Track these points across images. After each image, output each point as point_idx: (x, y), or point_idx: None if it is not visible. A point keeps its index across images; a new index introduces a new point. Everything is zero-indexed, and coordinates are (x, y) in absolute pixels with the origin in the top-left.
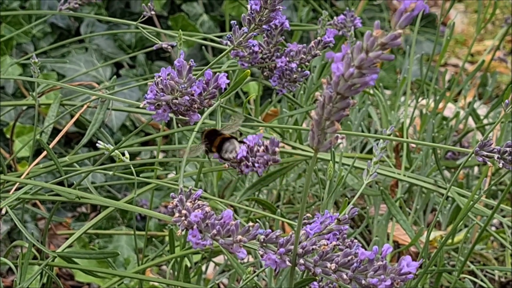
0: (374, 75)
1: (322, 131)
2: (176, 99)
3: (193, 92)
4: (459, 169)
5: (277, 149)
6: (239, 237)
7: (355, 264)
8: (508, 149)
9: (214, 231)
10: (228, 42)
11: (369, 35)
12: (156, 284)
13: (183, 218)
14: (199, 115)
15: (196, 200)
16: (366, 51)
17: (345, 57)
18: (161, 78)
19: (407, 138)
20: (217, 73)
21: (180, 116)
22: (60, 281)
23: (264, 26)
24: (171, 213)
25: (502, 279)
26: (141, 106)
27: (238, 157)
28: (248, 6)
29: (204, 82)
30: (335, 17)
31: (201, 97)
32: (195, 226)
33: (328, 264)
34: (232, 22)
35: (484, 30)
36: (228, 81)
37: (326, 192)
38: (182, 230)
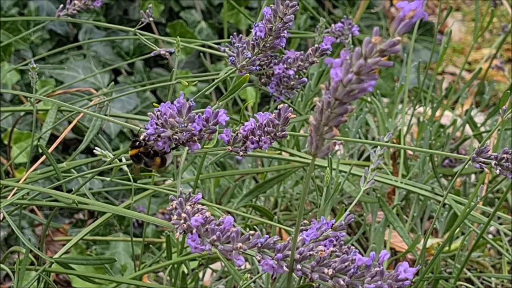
0: (373, 81)
1: (320, 137)
2: (176, 133)
3: (192, 129)
4: (455, 176)
5: (290, 115)
6: (239, 244)
7: (352, 270)
8: (505, 155)
9: (214, 237)
10: (227, 51)
11: (368, 41)
12: None
13: (182, 221)
14: (199, 145)
15: (196, 204)
16: (364, 57)
17: (344, 63)
18: (160, 112)
19: (404, 145)
20: (217, 110)
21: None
22: (57, 287)
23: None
24: (169, 217)
25: (499, 287)
26: (141, 138)
27: (246, 129)
28: (253, 32)
29: (203, 119)
30: (332, 25)
31: (201, 133)
32: (194, 231)
33: (325, 270)
34: (236, 45)
35: (481, 38)
36: (227, 118)
37: (323, 199)
38: (180, 233)
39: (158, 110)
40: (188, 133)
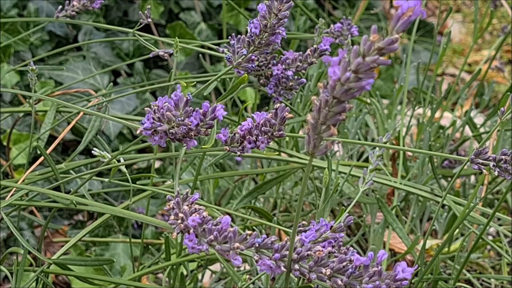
0: (371, 79)
1: (318, 135)
2: (173, 128)
3: (189, 123)
4: (455, 177)
5: (287, 115)
6: (236, 244)
7: (350, 270)
8: (504, 157)
9: (211, 237)
10: (225, 51)
11: (366, 39)
12: None
13: (179, 221)
14: (196, 142)
15: (193, 204)
16: (363, 55)
17: (342, 61)
18: (157, 106)
19: (403, 146)
20: (215, 105)
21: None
22: None
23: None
24: (168, 219)
25: None
26: (137, 132)
27: (244, 128)
28: (248, 29)
29: (201, 113)
30: (332, 25)
31: (198, 128)
32: (191, 230)
33: (323, 270)
34: (232, 42)
35: (481, 40)
36: (225, 112)
37: (322, 199)
38: (178, 233)
39: (156, 105)
40: (185, 128)
